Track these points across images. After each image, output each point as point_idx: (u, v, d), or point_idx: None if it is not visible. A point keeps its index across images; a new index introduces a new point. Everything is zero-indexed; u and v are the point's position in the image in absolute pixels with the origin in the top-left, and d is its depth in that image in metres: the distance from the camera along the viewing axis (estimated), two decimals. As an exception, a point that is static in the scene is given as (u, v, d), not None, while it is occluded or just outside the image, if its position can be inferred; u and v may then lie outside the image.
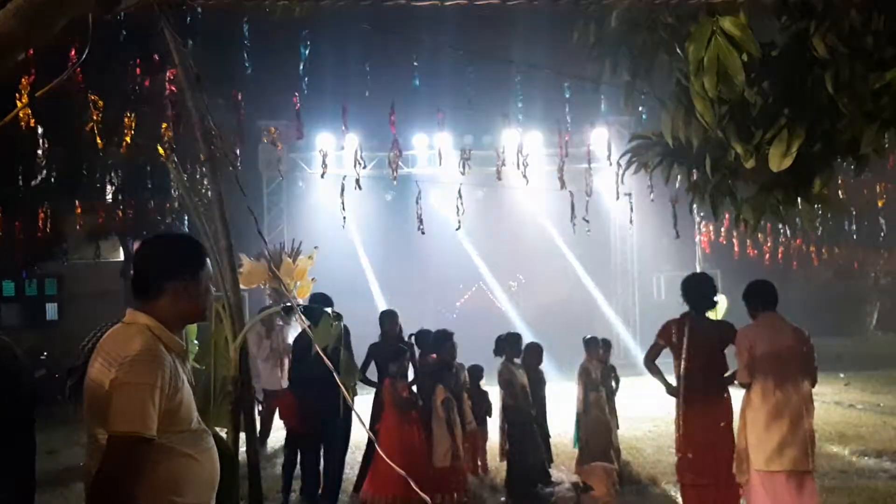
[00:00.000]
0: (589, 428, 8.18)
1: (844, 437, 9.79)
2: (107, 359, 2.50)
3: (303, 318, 4.76)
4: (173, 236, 2.90)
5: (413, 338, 8.06)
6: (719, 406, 5.75)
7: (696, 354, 5.76)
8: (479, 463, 8.38)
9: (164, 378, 2.50)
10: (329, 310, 5.46)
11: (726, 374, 5.83)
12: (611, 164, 13.41)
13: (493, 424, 8.22)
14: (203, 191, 10.66)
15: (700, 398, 5.73)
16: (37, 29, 2.57)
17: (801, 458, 5.24)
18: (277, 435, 10.95)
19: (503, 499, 7.58)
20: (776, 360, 5.31)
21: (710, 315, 6.22)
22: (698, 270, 18.79)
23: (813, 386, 5.46)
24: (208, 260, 2.84)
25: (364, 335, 8.11)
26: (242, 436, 4.26)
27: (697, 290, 6.03)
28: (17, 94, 8.10)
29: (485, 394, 8.36)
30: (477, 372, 8.37)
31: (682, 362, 5.80)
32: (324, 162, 13.90)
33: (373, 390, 7.79)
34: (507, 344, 7.87)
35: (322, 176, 14.35)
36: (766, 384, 5.30)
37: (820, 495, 6.79)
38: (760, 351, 5.34)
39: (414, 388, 7.49)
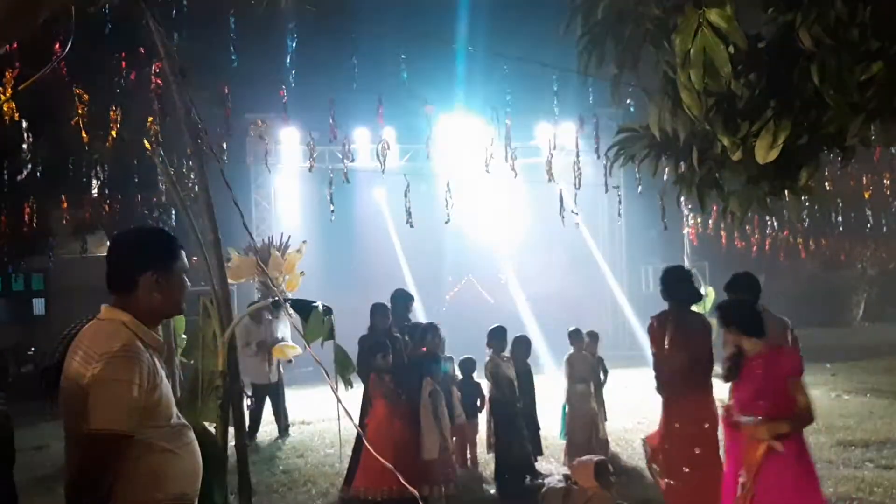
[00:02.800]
0: (574, 420, 8.21)
1: (831, 427, 9.84)
2: (84, 355, 2.49)
3: (291, 311, 4.75)
4: (146, 229, 2.90)
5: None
6: (703, 401, 5.72)
7: (678, 348, 5.73)
8: (469, 455, 8.40)
9: (141, 374, 2.49)
10: (319, 304, 5.44)
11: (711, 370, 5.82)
12: (599, 157, 13.44)
13: (485, 417, 8.23)
14: (190, 185, 10.61)
15: (683, 393, 5.70)
16: (19, 21, 2.54)
17: None
18: (267, 429, 10.96)
19: (492, 491, 7.60)
20: None
21: (697, 308, 6.22)
22: (686, 262, 18.90)
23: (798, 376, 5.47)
24: (183, 252, 2.81)
25: (356, 329, 8.07)
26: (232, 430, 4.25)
27: (674, 282, 6.03)
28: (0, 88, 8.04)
29: (477, 386, 8.38)
30: (469, 365, 8.38)
31: (664, 357, 5.78)
32: (312, 155, 13.87)
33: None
34: (493, 337, 7.89)
35: (310, 170, 14.33)
36: None
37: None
38: None
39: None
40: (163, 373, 2.64)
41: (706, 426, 5.57)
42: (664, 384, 5.79)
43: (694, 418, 5.65)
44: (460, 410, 7.84)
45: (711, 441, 5.55)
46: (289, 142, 19.21)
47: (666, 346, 5.73)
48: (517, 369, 7.90)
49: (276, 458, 9.51)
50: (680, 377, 5.67)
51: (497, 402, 7.63)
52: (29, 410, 6.86)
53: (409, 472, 5.21)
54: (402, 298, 8.25)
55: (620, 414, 10.14)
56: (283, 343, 10.77)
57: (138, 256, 2.71)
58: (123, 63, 10.83)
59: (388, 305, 8.06)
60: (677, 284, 5.98)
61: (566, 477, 7.47)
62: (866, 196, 19.96)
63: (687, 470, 5.69)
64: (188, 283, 2.80)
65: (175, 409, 2.68)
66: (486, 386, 8.06)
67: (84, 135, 9.96)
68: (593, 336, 8.65)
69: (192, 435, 2.73)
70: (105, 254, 2.76)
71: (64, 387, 2.55)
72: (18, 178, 12.80)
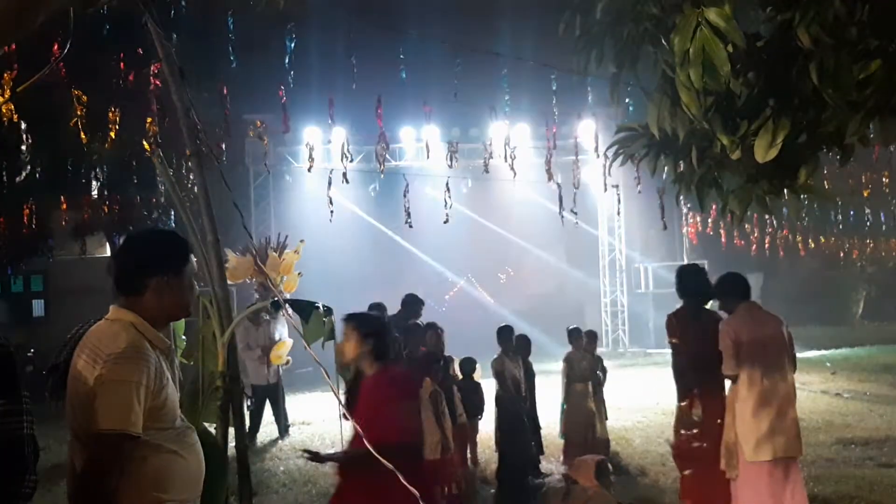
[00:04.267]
0: (570, 419, 8.20)
1: (831, 426, 9.85)
2: (91, 355, 2.48)
3: (290, 312, 4.75)
4: (157, 232, 2.87)
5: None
6: (720, 396, 5.74)
7: (697, 345, 5.75)
8: (469, 455, 8.39)
9: (149, 376, 2.49)
10: (320, 304, 5.43)
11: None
12: (598, 156, 13.48)
13: (490, 417, 8.21)
14: (189, 185, 10.62)
15: (706, 388, 5.72)
16: (17, 23, 2.54)
17: (792, 445, 5.26)
18: (268, 429, 10.96)
19: (493, 491, 7.59)
20: (761, 349, 5.31)
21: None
22: (685, 261, 18.89)
23: (793, 372, 5.48)
24: (192, 255, 2.81)
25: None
26: (232, 431, 4.25)
27: (690, 280, 6.05)
28: (-1, 90, 8.05)
29: (477, 386, 8.36)
30: (469, 365, 8.36)
31: (686, 354, 5.81)
32: (310, 156, 13.86)
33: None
34: (499, 336, 7.91)
35: (309, 170, 14.32)
36: (754, 374, 5.29)
37: (807, 484, 6.83)
38: (745, 341, 5.33)
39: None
40: (169, 375, 2.63)
41: (718, 421, 5.58)
42: (685, 376, 5.83)
43: (711, 412, 5.67)
44: (461, 410, 7.83)
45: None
46: (292, 142, 19.23)
47: (687, 341, 5.77)
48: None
49: (276, 459, 9.51)
50: (700, 371, 5.70)
51: (502, 401, 7.63)
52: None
53: (410, 472, 5.20)
54: (412, 303, 8.42)
55: (621, 413, 10.13)
56: (278, 342, 10.77)
57: (149, 258, 2.69)
58: (122, 64, 10.84)
59: (386, 306, 8.09)
60: (692, 282, 6.02)
61: (566, 476, 7.46)
62: (865, 194, 20.01)
63: (697, 464, 5.72)
64: (197, 286, 2.80)
65: (179, 412, 2.68)
66: (490, 385, 8.06)
67: (83, 136, 9.96)
68: (591, 335, 8.63)
69: (195, 437, 2.73)
70: (104, 255, 2.75)
71: (70, 387, 2.54)
72: (18, 179, 12.80)
